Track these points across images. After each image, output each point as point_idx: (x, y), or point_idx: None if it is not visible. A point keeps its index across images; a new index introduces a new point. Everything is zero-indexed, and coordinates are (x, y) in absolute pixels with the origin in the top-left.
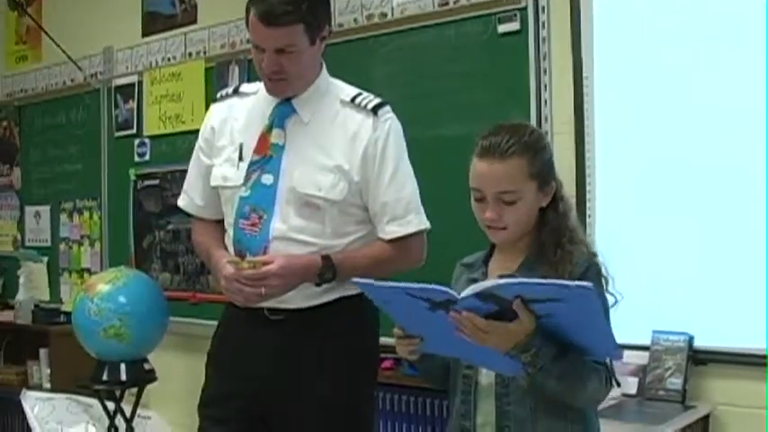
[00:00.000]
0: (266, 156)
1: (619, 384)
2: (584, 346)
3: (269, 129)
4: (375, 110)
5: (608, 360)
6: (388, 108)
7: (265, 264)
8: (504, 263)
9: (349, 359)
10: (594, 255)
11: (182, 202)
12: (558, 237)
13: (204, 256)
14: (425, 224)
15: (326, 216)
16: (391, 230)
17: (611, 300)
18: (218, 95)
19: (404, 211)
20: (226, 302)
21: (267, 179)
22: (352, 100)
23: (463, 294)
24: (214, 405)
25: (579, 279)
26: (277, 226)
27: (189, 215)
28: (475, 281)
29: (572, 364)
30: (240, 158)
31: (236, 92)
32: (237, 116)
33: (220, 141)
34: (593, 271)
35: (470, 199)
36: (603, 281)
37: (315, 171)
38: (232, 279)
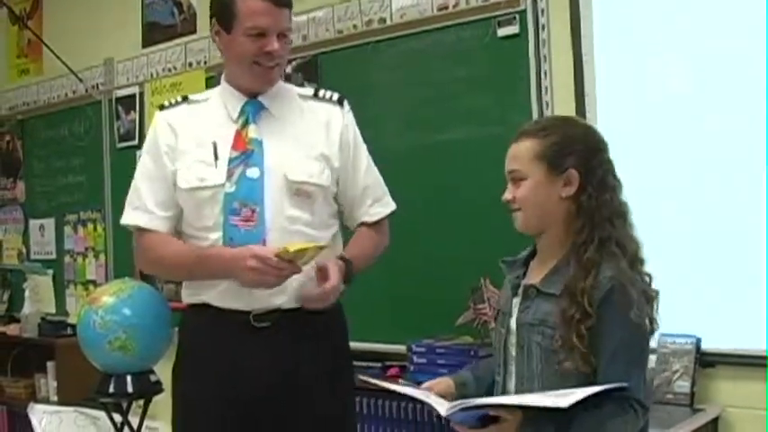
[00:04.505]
0: (247, 151)
1: None
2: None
3: (244, 125)
4: (340, 101)
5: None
6: (346, 101)
7: (321, 270)
8: (540, 265)
9: (336, 361)
10: (624, 275)
11: (141, 219)
12: (584, 237)
13: (189, 263)
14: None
15: (315, 204)
16: (375, 212)
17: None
18: (167, 103)
19: (382, 193)
20: (193, 306)
21: (253, 172)
22: (315, 94)
23: (449, 412)
24: (204, 409)
25: (598, 306)
26: (272, 217)
27: (141, 231)
28: (517, 285)
29: (582, 427)
30: (216, 158)
31: (185, 99)
32: (199, 120)
33: (182, 145)
34: (615, 296)
35: (474, 203)
36: (633, 305)
37: (302, 159)
38: (273, 266)
